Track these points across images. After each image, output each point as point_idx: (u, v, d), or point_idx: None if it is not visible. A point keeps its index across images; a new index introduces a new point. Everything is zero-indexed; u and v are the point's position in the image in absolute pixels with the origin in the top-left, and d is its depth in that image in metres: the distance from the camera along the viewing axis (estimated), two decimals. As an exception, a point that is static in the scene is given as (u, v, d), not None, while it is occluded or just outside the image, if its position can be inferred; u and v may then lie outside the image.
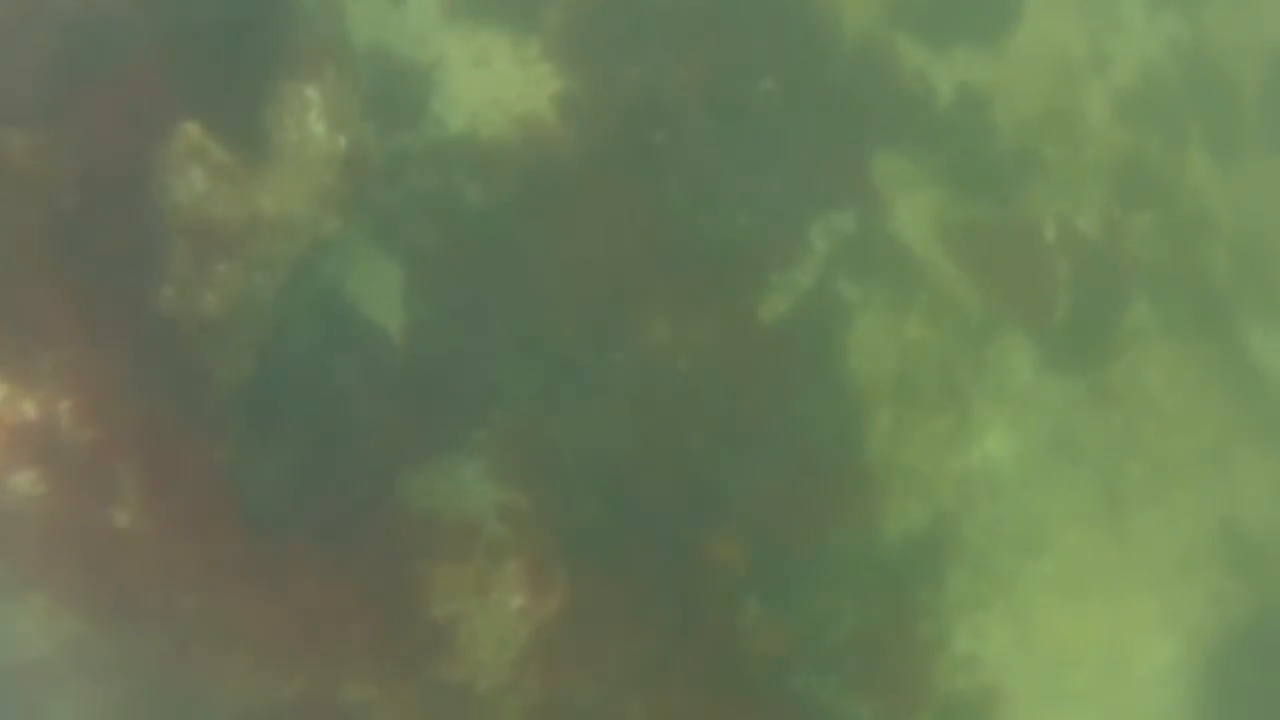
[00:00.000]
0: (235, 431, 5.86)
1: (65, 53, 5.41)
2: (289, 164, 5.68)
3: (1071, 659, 7.24)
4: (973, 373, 7.53)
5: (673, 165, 6.78)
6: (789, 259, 6.68)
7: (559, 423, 6.51)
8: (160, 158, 5.51)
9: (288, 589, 5.64)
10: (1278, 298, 8.32)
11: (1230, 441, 7.97)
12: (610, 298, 6.64)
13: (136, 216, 5.45)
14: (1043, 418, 7.67)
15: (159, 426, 5.36)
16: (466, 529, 6.14)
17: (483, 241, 6.71)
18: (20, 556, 5.21)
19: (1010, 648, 7.12)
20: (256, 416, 6.03)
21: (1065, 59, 7.88)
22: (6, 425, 5.03)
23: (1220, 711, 7.43)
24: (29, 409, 5.06)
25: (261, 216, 5.70)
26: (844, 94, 7.18)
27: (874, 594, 6.81)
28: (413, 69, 6.94)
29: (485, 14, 6.93)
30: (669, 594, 6.38)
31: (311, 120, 5.75)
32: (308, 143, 5.73)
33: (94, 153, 5.38)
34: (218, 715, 5.53)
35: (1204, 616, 7.57)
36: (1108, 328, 7.68)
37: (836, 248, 6.96)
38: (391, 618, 5.89)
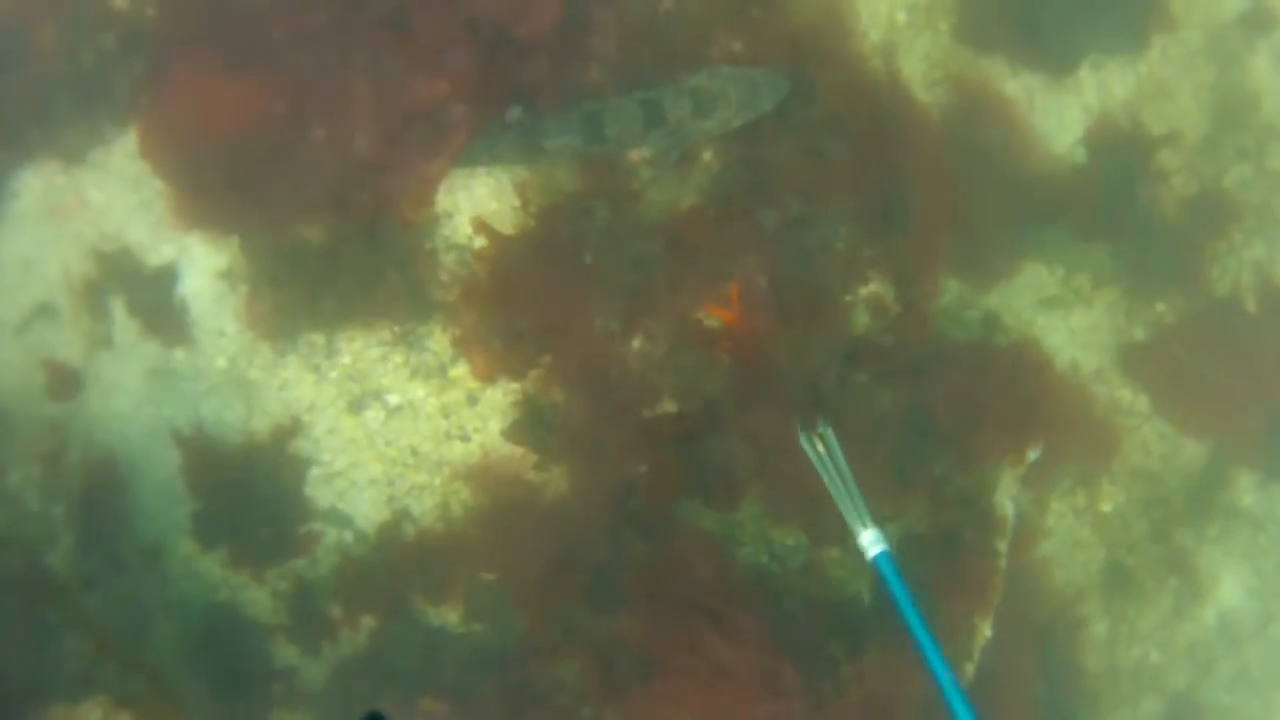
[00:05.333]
0: None
1: None
2: None
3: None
4: (1191, 521, 4.76)
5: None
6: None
7: None
8: None
9: None
10: None
11: None
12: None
13: None
14: (1275, 535, 5.04)
15: None
16: None
17: (492, 689, 3.45)
18: None
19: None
20: None
21: (1216, 24, 4.49)
22: None
23: None
24: None
25: None
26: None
27: None
28: (257, 454, 3.37)
29: (334, 316, 3.27)
30: None
31: None
32: None
33: None
34: None
35: None
36: (1341, 394, 4.93)
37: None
38: None
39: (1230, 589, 4.95)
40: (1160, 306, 4.44)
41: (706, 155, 3.25)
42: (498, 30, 2.94)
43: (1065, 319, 4.31)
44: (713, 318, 3.32)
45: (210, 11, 3.10)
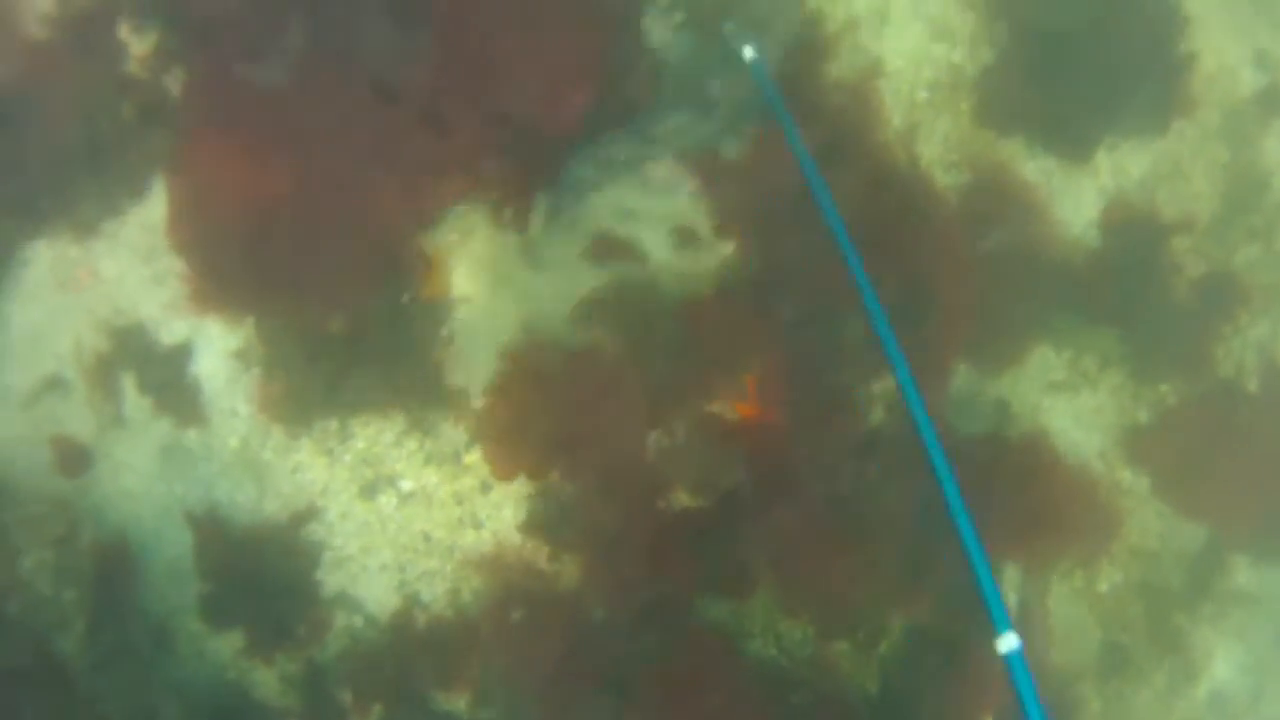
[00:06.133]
0: None
1: None
2: None
3: None
4: (1186, 600, 4.78)
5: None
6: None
7: None
8: None
9: None
10: None
11: None
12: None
13: None
14: (1267, 614, 5.07)
15: None
16: None
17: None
18: None
19: None
20: None
21: (1233, 103, 4.51)
22: None
23: None
24: None
25: None
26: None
27: None
28: (269, 536, 3.32)
29: (348, 400, 3.23)
30: None
31: None
32: None
33: None
34: None
35: None
36: (1338, 477, 4.96)
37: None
38: None
39: (1223, 667, 4.97)
40: (1164, 388, 4.46)
41: (726, 249, 3.23)
42: (528, 125, 2.91)
43: (1071, 401, 4.32)
44: (730, 411, 3.30)
45: (235, 92, 3.05)
